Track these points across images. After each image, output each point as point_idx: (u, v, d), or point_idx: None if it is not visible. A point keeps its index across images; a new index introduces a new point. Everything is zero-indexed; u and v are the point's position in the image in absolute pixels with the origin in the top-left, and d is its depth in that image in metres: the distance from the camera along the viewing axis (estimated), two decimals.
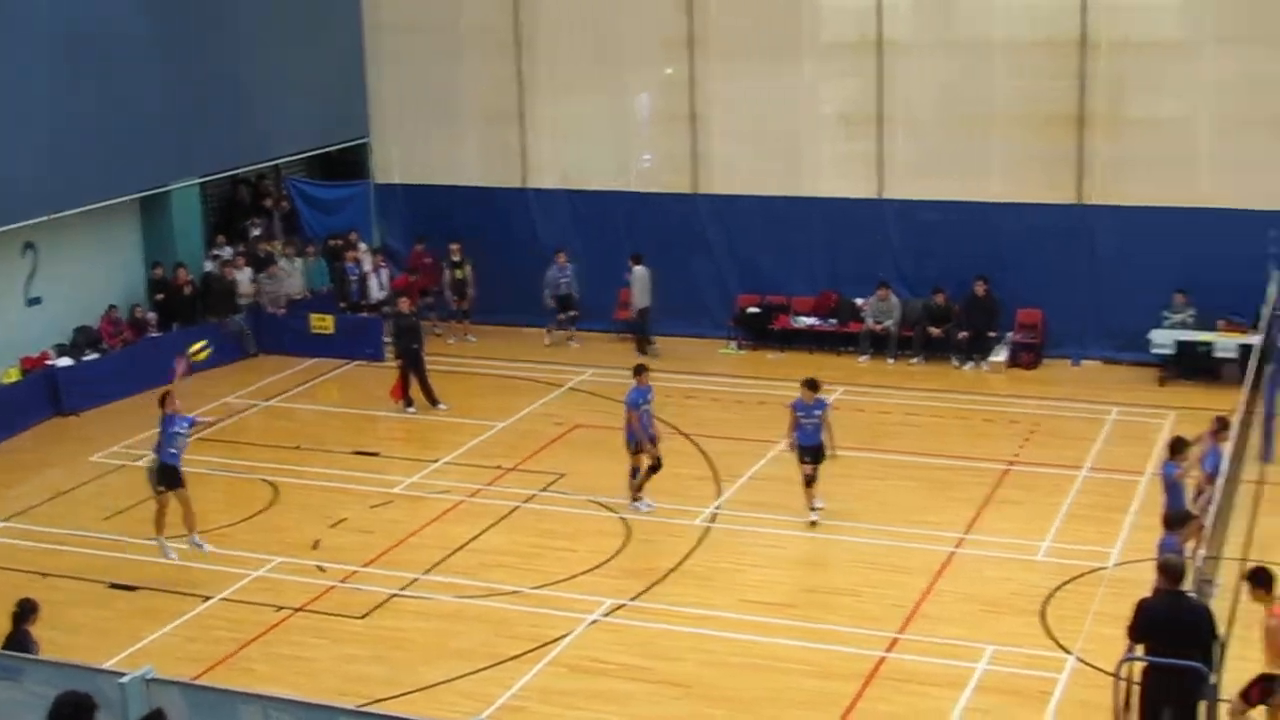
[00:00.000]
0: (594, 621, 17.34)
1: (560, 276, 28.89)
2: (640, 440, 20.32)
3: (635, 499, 20.51)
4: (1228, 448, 16.42)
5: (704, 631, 16.95)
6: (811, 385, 19.96)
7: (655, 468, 20.49)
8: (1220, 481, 15.72)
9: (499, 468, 22.41)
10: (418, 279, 29.76)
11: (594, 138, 30.20)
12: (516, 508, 20.87)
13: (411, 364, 25.26)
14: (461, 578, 18.62)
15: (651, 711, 15.44)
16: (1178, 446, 17.40)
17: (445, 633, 17.21)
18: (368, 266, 29.49)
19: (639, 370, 20.75)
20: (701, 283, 29.07)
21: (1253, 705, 13.51)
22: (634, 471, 20.53)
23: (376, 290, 29.28)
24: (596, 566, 18.83)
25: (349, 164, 31.71)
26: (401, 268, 30.29)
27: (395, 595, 18.19)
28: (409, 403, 25.21)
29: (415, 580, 18.57)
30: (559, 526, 20.25)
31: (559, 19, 29.88)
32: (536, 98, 30.17)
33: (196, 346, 20.18)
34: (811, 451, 19.83)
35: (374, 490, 21.67)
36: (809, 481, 19.89)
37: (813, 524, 19.76)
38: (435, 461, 22.78)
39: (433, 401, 25.25)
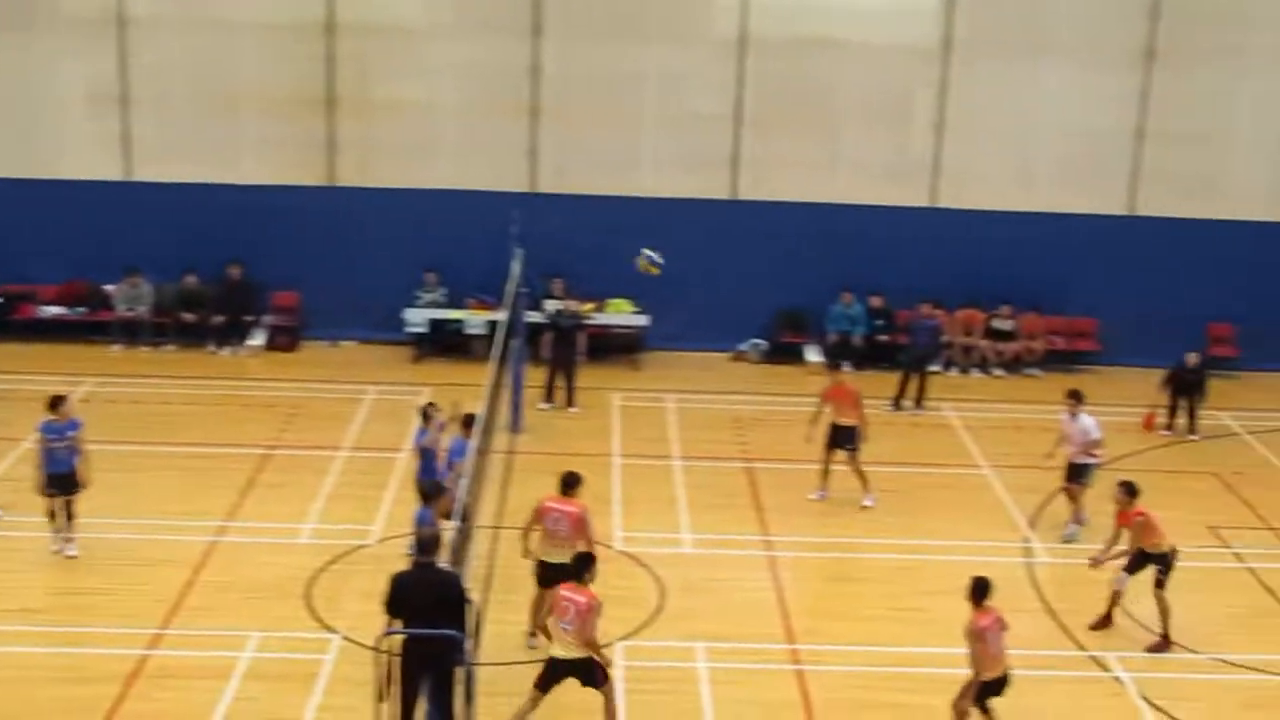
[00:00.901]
0: None
1: None
2: None
3: None
4: (474, 440, 16.97)
5: None
6: (56, 404, 18.01)
7: None
8: (468, 467, 16.19)
9: None
10: None
11: None
12: None
13: None
14: None
15: None
16: (428, 413, 17.99)
17: None
18: None
19: None
20: None
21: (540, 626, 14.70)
22: None
23: None
24: None
25: None
26: None
27: None
28: None
29: None
30: None
31: None
32: None
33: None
34: (61, 481, 18.01)
35: None
36: (52, 514, 18.19)
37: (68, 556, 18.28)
38: None
39: None
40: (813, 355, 27.06)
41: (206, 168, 27.11)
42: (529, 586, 17.30)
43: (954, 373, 27.05)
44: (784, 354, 27.36)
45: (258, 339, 26.94)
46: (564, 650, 13.95)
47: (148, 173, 27.32)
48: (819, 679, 15.81)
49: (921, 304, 25.22)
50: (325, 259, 27.26)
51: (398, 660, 12.85)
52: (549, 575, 15.41)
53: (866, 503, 20.42)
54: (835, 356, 26.66)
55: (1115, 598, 16.99)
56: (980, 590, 14.06)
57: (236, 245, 26.86)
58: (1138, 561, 16.78)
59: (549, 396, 24.16)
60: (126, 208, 27.06)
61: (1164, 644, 16.62)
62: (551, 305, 25.26)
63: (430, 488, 16.23)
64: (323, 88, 27.04)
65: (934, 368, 25.78)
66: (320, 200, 27.22)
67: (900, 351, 25.79)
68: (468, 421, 17.63)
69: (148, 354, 26.49)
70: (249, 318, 27.00)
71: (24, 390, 23.51)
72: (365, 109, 27.29)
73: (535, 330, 24.61)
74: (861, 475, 20.48)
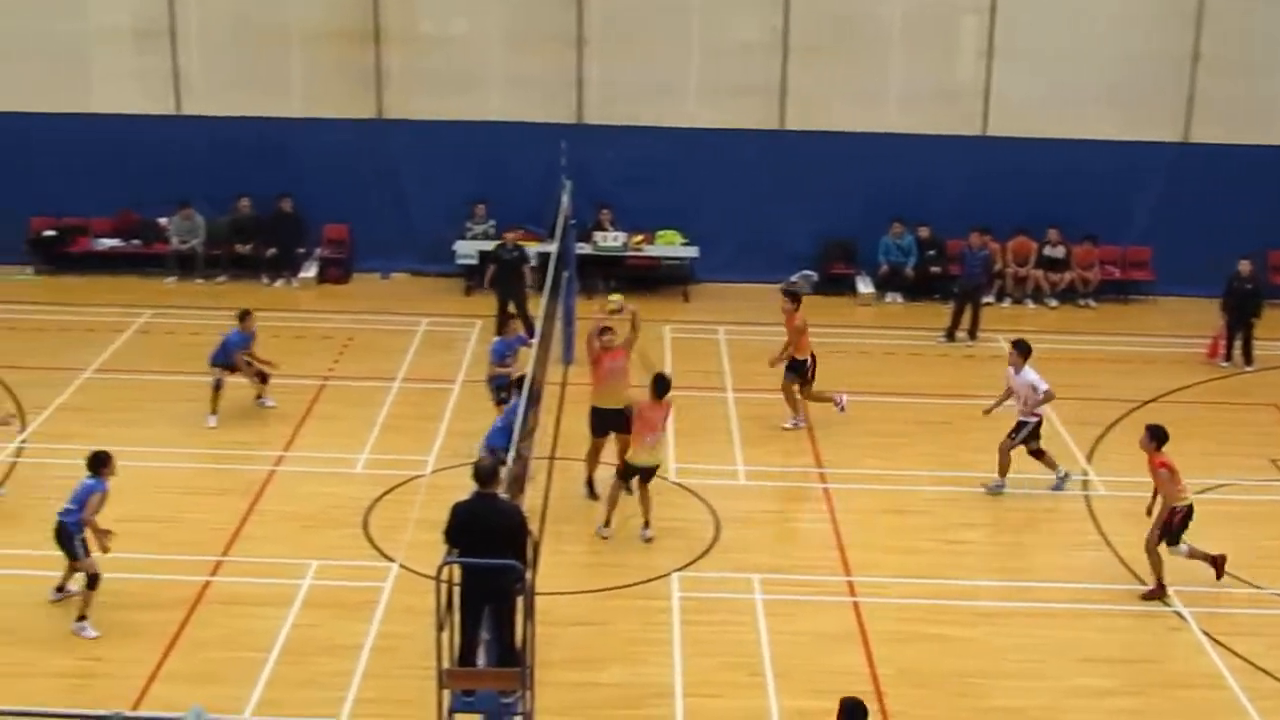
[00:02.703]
0: None
1: None
2: None
3: None
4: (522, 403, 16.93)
5: (6, 571, 15.95)
6: (245, 317, 20.26)
7: None
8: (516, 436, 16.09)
9: None
10: None
11: None
12: None
13: None
14: None
15: None
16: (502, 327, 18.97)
17: None
18: None
19: None
20: None
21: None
22: None
23: None
24: None
25: None
26: None
27: None
28: None
29: None
30: None
31: None
32: None
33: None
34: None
35: None
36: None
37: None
38: None
39: None
40: (864, 286, 26.97)
41: (254, 102, 27.13)
42: (583, 517, 17.54)
43: (1007, 303, 26.91)
44: (835, 285, 27.24)
45: (309, 271, 27.02)
46: (649, 459, 16.86)
47: (196, 107, 27.38)
48: (871, 610, 15.86)
49: (972, 233, 24.99)
50: (375, 192, 27.31)
51: (457, 590, 12.92)
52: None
53: (786, 425, 20.60)
54: (885, 287, 26.72)
55: (1192, 553, 16.27)
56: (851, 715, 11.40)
57: (285, 178, 26.89)
58: (1169, 522, 16.07)
59: (500, 330, 23.62)
60: (176, 142, 27.10)
61: (1159, 590, 16.15)
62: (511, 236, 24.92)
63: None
64: (369, 20, 26.97)
65: (987, 298, 25.62)
66: (368, 133, 27.22)
67: (952, 282, 25.64)
68: (513, 388, 17.57)
69: (202, 286, 26.63)
70: (300, 250, 27.06)
71: (81, 321, 23.84)
72: (411, 41, 27.24)
73: (481, 263, 25.00)
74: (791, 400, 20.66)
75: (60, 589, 15.43)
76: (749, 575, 16.43)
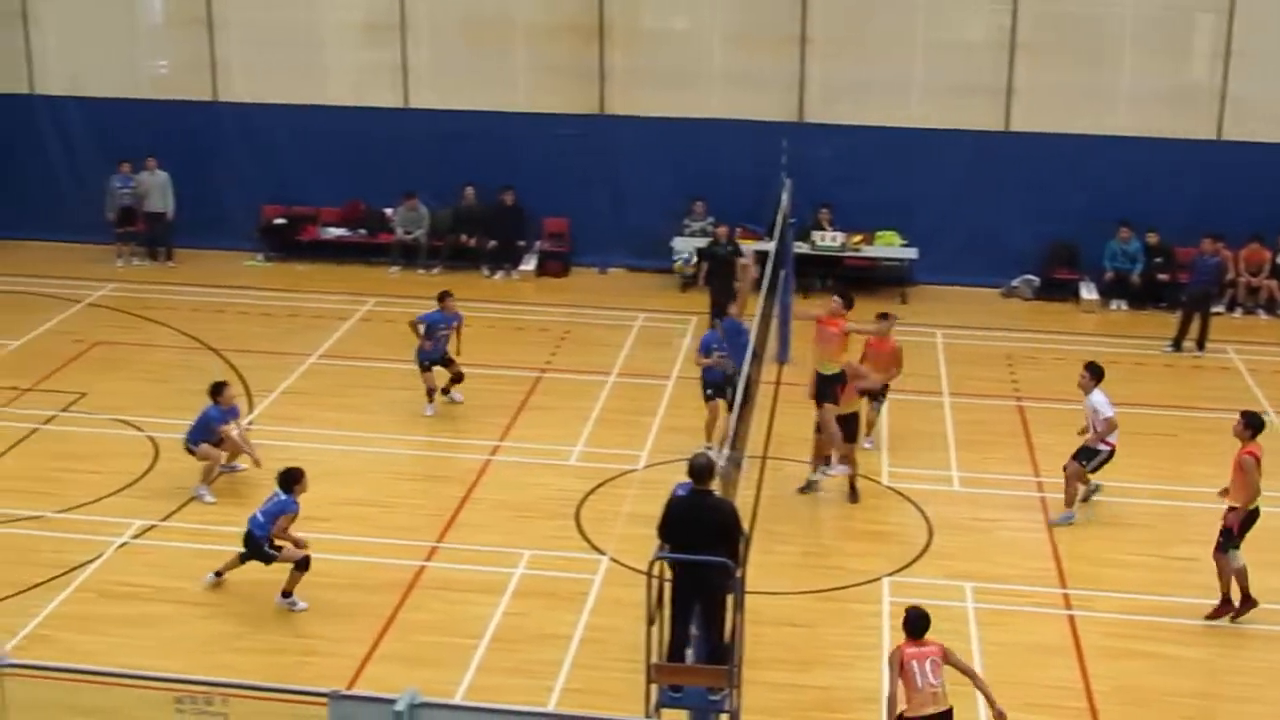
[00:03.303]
0: (122, 544, 16.65)
1: (122, 187, 27.34)
2: None
3: None
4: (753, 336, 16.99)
5: (236, 549, 16.39)
6: (445, 297, 20.69)
7: None
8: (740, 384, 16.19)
9: (14, 389, 21.13)
10: None
11: (103, 40, 28.57)
12: (35, 430, 19.75)
13: None
14: None
15: (184, 631, 15.02)
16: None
17: None
18: None
19: None
20: (224, 193, 28.05)
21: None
22: None
23: None
24: (124, 488, 18.04)
25: None
26: None
27: None
28: None
29: None
30: (81, 448, 19.27)
31: None
32: None
33: None
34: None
35: None
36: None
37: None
38: None
39: None
40: (1088, 293, 26.36)
41: (479, 95, 27.55)
42: (795, 517, 17.46)
43: (1238, 314, 26.02)
44: (1057, 290, 26.66)
45: (529, 264, 27.36)
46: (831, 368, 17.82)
47: (423, 100, 27.90)
48: (1086, 624, 15.52)
49: (1204, 240, 24.23)
50: (594, 186, 27.54)
51: (668, 585, 12.96)
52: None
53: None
54: (1110, 294, 26.08)
55: (1239, 575, 15.50)
56: (913, 623, 12.68)
57: (508, 171, 27.24)
58: (1233, 527, 15.38)
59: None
60: (402, 134, 27.65)
61: (1242, 607, 15.44)
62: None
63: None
64: (594, 16, 27.19)
65: (1216, 308, 24.83)
66: (589, 128, 27.44)
67: (1181, 290, 24.92)
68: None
69: (424, 276, 27.05)
70: (520, 243, 27.41)
71: (308, 308, 24.47)
72: (634, 37, 27.41)
73: (697, 260, 24.94)
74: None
75: (219, 573, 15.81)
76: (961, 583, 16.21)
